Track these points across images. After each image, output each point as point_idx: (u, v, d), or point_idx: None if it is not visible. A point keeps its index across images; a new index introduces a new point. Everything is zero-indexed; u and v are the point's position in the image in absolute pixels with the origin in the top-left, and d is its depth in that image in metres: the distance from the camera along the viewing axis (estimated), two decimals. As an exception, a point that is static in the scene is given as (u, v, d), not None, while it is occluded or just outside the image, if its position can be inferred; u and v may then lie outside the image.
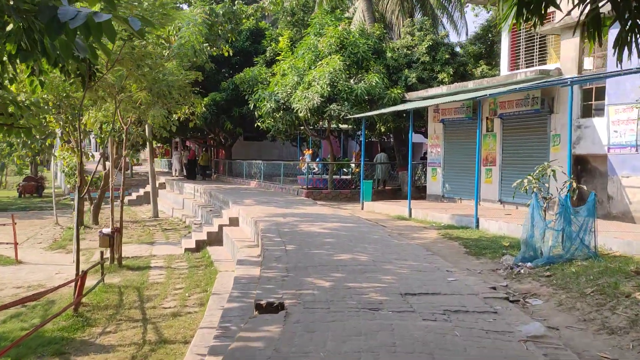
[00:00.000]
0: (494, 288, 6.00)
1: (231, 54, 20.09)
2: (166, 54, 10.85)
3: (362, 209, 15.64)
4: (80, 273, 8.46)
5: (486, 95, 11.00)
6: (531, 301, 5.91)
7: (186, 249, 13.77)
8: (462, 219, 12.00)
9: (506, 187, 13.78)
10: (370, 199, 15.94)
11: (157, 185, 29.45)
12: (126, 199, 29.53)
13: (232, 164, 27.85)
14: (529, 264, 7.16)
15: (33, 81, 5.84)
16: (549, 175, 7.70)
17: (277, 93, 17.31)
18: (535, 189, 7.60)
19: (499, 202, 13.91)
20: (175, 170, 32.01)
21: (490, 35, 22.29)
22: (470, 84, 13.83)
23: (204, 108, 20.79)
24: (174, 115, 18.20)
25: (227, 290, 8.05)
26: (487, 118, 14.24)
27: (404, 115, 17.92)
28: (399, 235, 10.30)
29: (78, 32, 2.79)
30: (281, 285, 6.25)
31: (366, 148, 17.09)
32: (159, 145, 45.54)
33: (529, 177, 7.82)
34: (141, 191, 28.25)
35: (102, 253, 10.21)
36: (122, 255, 12.86)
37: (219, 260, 11.95)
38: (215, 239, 14.02)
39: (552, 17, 13.06)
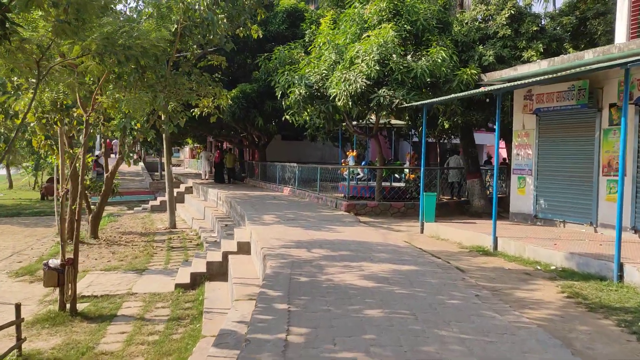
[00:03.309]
0: None
1: (261, 35, 16.55)
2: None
3: (422, 232, 11.37)
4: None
5: (642, 59, 6.57)
6: None
7: (177, 285, 10.08)
8: (589, 261, 7.56)
9: (644, 207, 9.20)
10: (434, 219, 11.59)
11: (183, 190, 26.33)
12: (150, 203, 26.54)
13: (266, 166, 24.15)
14: None
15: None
16: None
17: (309, 76, 13.26)
18: None
19: (631, 231, 9.32)
20: (205, 173, 28.78)
21: (577, 12, 17.58)
22: (589, 54, 9.31)
23: (230, 101, 17.37)
24: (196, 110, 14.83)
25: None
26: (611, 105, 9.72)
27: (484, 102, 13.51)
28: (494, 297, 6.03)
29: None
30: None
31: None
32: (195, 145, 42.86)
33: None
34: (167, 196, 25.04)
35: (17, 307, 6.56)
36: (88, 294, 9.32)
37: (211, 311, 8.13)
38: (218, 271, 10.24)
39: None
